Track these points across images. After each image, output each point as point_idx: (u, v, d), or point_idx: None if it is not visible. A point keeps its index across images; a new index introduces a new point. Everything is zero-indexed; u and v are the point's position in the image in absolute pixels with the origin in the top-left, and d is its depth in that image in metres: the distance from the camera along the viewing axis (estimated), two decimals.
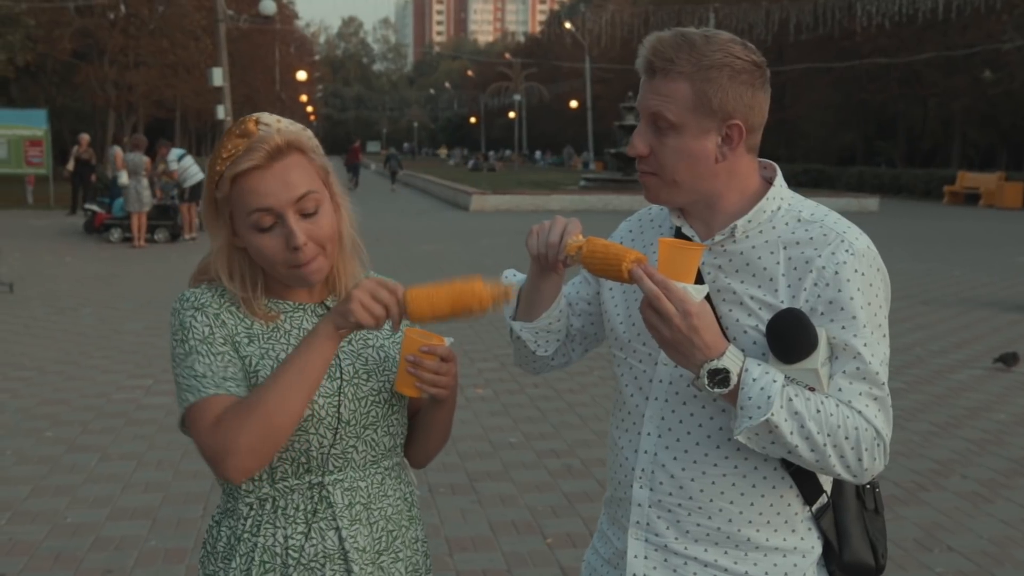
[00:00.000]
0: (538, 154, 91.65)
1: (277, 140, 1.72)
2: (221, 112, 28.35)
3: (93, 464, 5.86)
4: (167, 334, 9.91)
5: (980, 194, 35.45)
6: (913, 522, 5.11)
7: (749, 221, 1.77)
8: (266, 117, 1.76)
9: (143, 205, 17.65)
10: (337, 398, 1.80)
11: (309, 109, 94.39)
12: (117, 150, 20.51)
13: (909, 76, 47.11)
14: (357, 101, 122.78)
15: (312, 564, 1.78)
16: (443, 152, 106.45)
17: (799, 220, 1.78)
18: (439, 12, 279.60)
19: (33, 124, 26.11)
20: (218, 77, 28.08)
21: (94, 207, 19.74)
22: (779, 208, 1.80)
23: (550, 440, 6.46)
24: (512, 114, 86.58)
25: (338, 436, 1.81)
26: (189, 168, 19.12)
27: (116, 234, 18.40)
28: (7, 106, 33.02)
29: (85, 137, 24.62)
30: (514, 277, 2.06)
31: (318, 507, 1.80)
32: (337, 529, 1.80)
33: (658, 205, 1.92)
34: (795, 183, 46.94)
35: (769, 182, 1.83)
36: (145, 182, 17.47)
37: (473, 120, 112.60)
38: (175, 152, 19.68)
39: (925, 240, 21.49)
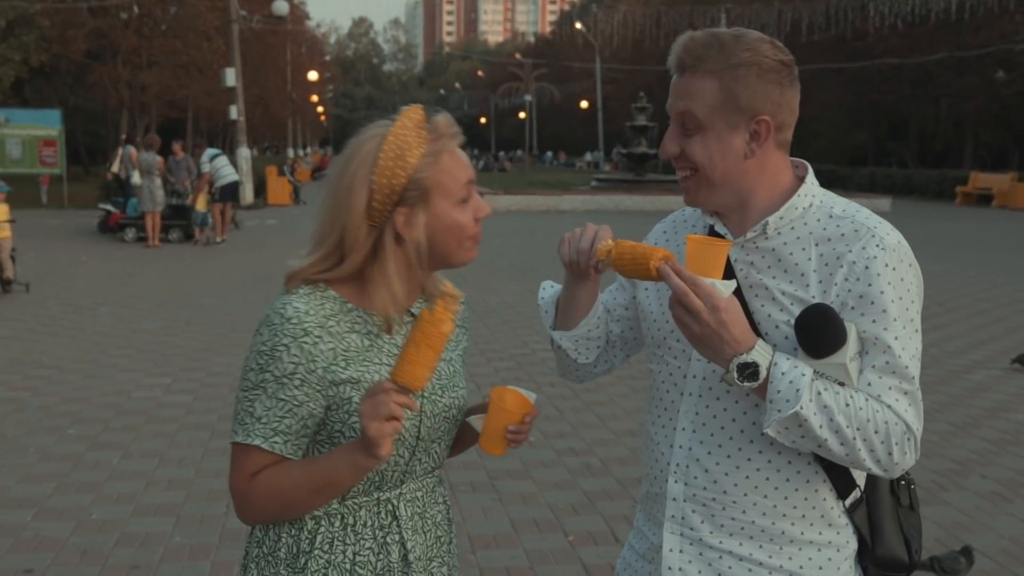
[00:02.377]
0: (548, 155, 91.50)
1: (458, 128, 1.81)
2: (234, 112, 28.46)
3: (116, 461, 5.91)
4: (184, 333, 9.92)
5: (993, 195, 35.34)
6: (934, 521, 5.11)
7: (781, 218, 1.80)
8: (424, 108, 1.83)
9: (156, 205, 17.72)
10: (419, 417, 1.81)
11: (320, 109, 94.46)
12: (132, 149, 20.59)
13: (921, 76, 47.00)
14: (367, 101, 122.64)
15: None
16: None
17: (831, 216, 1.80)
18: (449, 12, 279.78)
19: (47, 124, 26.25)
20: (231, 77, 28.19)
21: (108, 207, 19.82)
22: (811, 205, 1.82)
23: (568, 439, 6.48)
24: (523, 114, 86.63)
25: (414, 454, 1.84)
26: (222, 168, 19.00)
27: (131, 234, 18.48)
28: (21, 106, 33.14)
29: (177, 145, 23.42)
30: (551, 288, 2.08)
31: (384, 521, 1.82)
32: (402, 542, 1.83)
33: (694, 208, 1.95)
34: None
35: (801, 180, 1.85)
36: (158, 181, 17.54)
37: (483, 120, 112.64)
38: (208, 152, 19.53)
39: (938, 241, 21.42)
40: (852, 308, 1.72)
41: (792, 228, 1.80)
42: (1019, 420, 7.10)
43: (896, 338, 1.71)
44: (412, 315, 1.86)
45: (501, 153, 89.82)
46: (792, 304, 1.75)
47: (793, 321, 1.73)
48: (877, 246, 1.73)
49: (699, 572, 1.84)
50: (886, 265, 1.72)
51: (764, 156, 1.80)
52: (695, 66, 1.76)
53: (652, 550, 1.92)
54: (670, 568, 1.86)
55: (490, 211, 1.84)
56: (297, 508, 1.76)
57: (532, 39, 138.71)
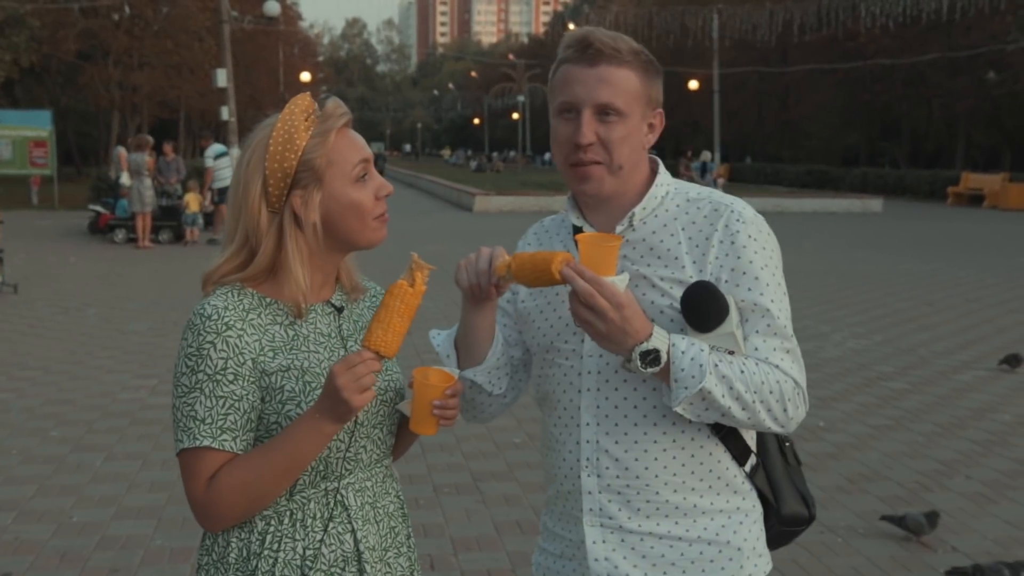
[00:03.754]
0: (547, 156, 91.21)
1: (345, 107, 1.83)
2: (225, 113, 28.32)
3: (99, 464, 5.88)
4: (172, 334, 9.86)
5: (984, 195, 35.40)
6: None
7: (644, 208, 1.90)
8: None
9: (145, 206, 17.66)
10: None
11: None
12: (121, 150, 20.50)
13: (913, 77, 47.07)
14: (361, 102, 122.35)
15: (332, 569, 1.79)
16: (446, 153, 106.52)
17: (688, 200, 1.92)
18: (443, 13, 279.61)
19: (38, 125, 26.15)
20: (222, 78, 28.07)
21: (98, 207, 19.77)
22: (667, 193, 1.93)
23: None
24: (516, 115, 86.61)
25: (353, 438, 1.84)
26: (223, 170, 18.89)
27: (120, 235, 18.42)
28: (12, 107, 33.08)
29: (148, 139, 22.55)
30: (441, 335, 2.05)
31: (334, 512, 1.82)
32: (353, 531, 1.82)
33: (559, 215, 2.03)
34: (799, 184, 46.49)
35: (654, 172, 1.96)
36: (147, 182, 17.47)
37: (477, 121, 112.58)
38: (215, 148, 19.32)
39: (929, 241, 21.46)
40: (726, 281, 1.83)
41: (656, 216, 1.91)
42: (1005, 421, 7.10)
43: (772, 301, 1.83)
44: (333, 306, 1.89)
45: (494, 154, 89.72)
46: (672, 287, 1.85)
47: (675, 303, 1.82)
48: (738, 220, 1.86)
49: (624, 558, 1.89)
50: (749, 236, 1.85)
51: (646, 149, 1.93)
52: (615, 56, 1.85)
53: (572, 547, 1.95)
54: (596, 559, 1.90)
55: (392, 189, 1.87)
56: (266, 497, 1.74)
57: (525, 40, 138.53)
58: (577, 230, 1.93)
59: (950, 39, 44.36)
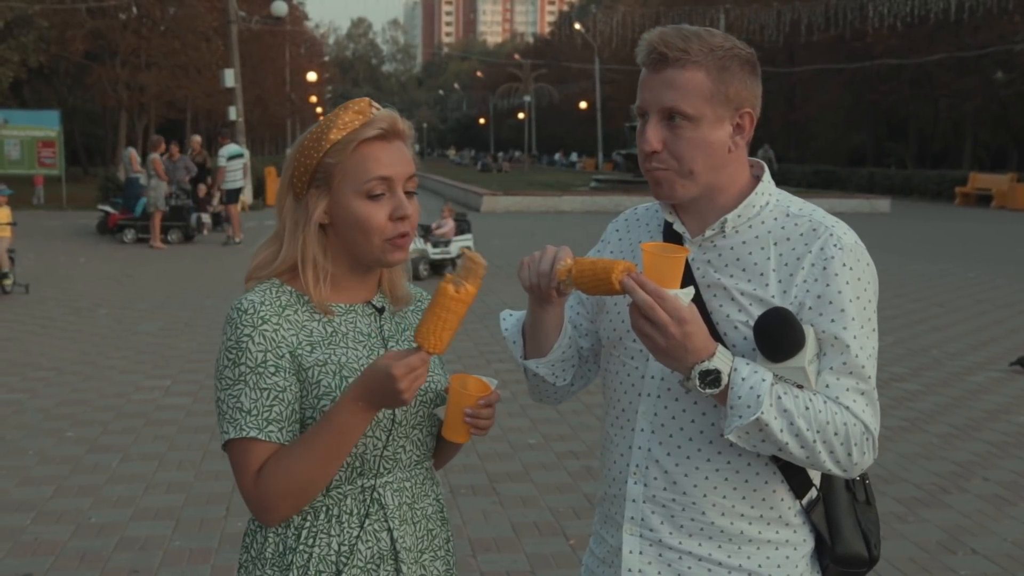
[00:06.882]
0: (556, 155, 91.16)
1: (397, 120, 1.81)
2: (233, 113, 28.38)
3: (115, 464, 5.89)
4: (184, 335, 9.87)
5: (992, 195, 35.31)
6: (935, 524, 5.10)
7: (739, 216, 1.80)
8: (374, 103, 1.84)
9: (150, 206, 17.67)
10: None
11: (319, 110, 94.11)
12: (132, 151, 20.52)
13: (920, 77, 47.01)
14: None
15: (368, 566, 1.80)
16: (452, 153, 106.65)
17: (787, 215, 1.81)
18: (448, 13, 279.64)
19: (46, 125, 26.20)
20: (230, 78, 28.12)
21: (107, 208, 19.79)
22: (767, 203, 1.83)
23: (569, 442, 6.46)
24: (522, 115, 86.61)
25: (391, 437, 1.84)
26: (235, 172, 18.91)
27: (130, 235, 18.44)
28: (20, 107, 33.14)
29: (197, 139, 21.82)
30: (512, 317, 2.02)
31: (370, 509, 1.82)
32: (389, 530, 1.83)
33: (654, 204, 1.95)
34: (806, 184, 46.32)
35: (757, 179, 1.87)
36: (154, 182, 17.48)
37: (482, 121, 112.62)
38: (229, 148, 19.32)
39: (938, 242, 21.41)
40: (810, 308, 1.73)
41: (750, 227, 1.81)
42: (1020, 423, 7.08)
43: (855, 337, 1.72)
44: (374, 307, 1.90)
45: (500, 154, 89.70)
46: (751, 304, 1.76)
47: (751, 321, 1.73)
48: (835, 246, 1.75)
49: (659, 573, 1.84)
50: (844, 264, 1.74)
51: (740, 152, 1.82)
52: (681, 58, 1.75)
53: (612, 553, 1.92)
54: (630, 570, 1.86)
55: (410, 212, 1.82)
56: (316, 485, 1.74)
57: (531, 39, 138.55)
58: (667, 225, 1.87)
59: (958, 39, 44.27)
